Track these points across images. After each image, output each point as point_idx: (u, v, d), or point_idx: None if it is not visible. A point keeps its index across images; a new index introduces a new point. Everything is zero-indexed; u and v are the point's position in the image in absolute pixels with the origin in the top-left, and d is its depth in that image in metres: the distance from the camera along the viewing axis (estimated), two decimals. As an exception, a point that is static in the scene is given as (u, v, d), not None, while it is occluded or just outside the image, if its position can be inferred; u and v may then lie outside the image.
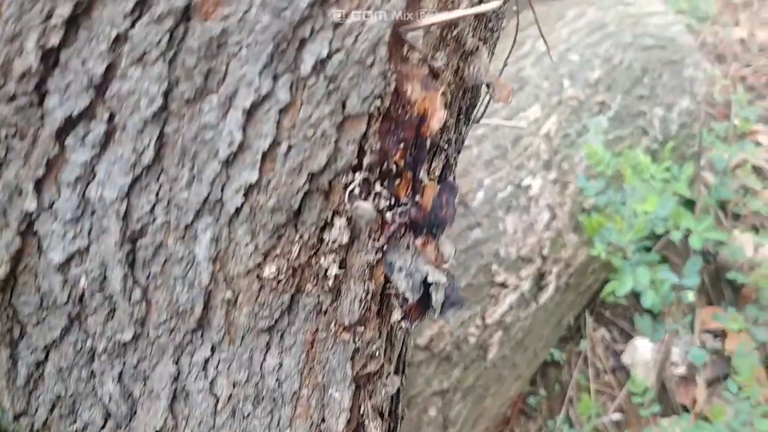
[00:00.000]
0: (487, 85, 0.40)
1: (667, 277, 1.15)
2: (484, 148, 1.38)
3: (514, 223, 1.37)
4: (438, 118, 0.36)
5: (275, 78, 0.31)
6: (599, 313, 1.71)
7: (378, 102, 0.34)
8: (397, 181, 0.38)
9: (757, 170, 2.00)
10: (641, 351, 1.65)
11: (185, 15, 0.29)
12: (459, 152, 0.50)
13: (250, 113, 0.33)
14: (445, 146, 0.43)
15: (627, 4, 1.68)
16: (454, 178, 0.49)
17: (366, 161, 0.36)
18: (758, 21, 2.56)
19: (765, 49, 2.45)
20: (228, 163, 0.34)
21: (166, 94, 0.32)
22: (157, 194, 0.35)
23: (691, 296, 1.18)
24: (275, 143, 0.34)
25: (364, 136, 0.36)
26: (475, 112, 0.50)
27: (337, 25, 0.31)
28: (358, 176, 0.36)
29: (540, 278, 1.43)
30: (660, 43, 1.63)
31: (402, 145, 0.36)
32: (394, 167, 0.37)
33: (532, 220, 1.39)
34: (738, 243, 1.75)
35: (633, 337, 1.69)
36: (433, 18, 0.35)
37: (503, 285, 1.36)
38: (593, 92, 1.50)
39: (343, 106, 0.34)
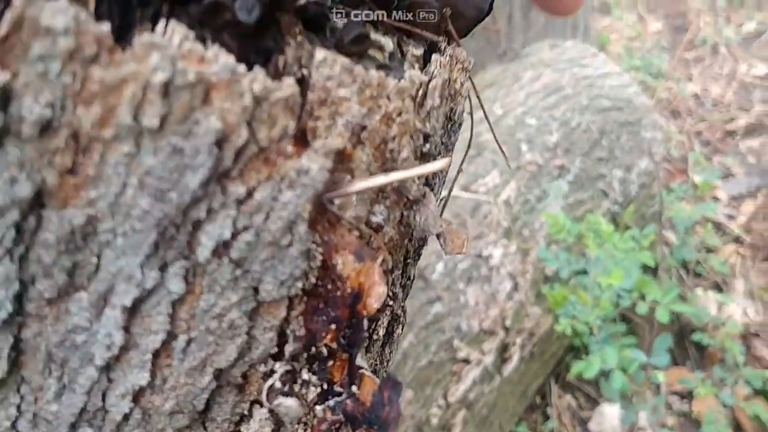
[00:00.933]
0: (438, 236, 0.35)
1: (635, 357, 1.10)
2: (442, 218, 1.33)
3: (476, 294, 1.32)
4: (376, 294, 0.30)
5: (163, 268, 0.25)
6: (565, 379, 1.66)
7: (300, 283, 0.28)
8: (330, 363, 0.31)
9: (716, 225, 2.00)
10: (608, 417, 1.60)
11: (36, 203, 0.22)
12: (408, 295, 0.43)
13: (133, 310, 0.26)
14: (390, 302, 0.37)
15: (582, 65, 1.68)
16: (403, 326, 0.42)
17: (289, 349, 0.30)
18: (710, 76, 2.62)
19: (718, 103, 2.49)
20: (108, 368, 0.27)
21: (19, 297, 0.25)
22: (18, 408, 0.28)
23: (661, 377, 1.13)
24: (170, 338, 0.27)
25: (285, 320, 0.29)
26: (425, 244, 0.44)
27: (241, 202, 0.25)
28: (280, 367, 0.30)
29: (503, 350, 1.37)
30: (617, 105, 1.62)
31: (334, 326, 0.30)
32: (324, 350, 0.31)
33: (494, 291, 1.34)
34: (701, 303, 1.73)
35: (599, 403, 1.64)
36: (364, 183, 0.29)
37: (466, 361, 1.30)
38: (552, 156, 1.47)
39: (256, 291, 0.28)
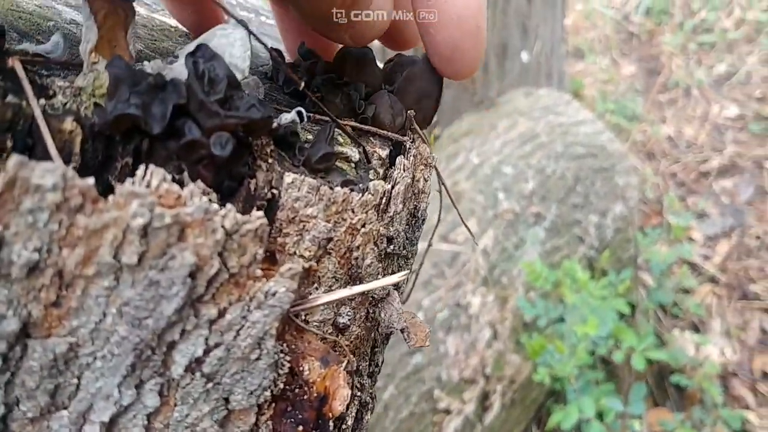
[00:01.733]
0: (402, 330, 0.37)
1: (612, 406, 1.12)
2: (421, 269, 1.35)
3: (456, 343, 1.34)
4: (341, 398, 0.32)
5: (139, 386, 0.27)
6: (546, 425, 1.67)
7: (268, 393, 0.30)
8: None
9: (692, 266, 2.04)
10: (591, 461, 1.61)
11: (22, 335, 0.24)
12: (376, 380, 0.46)
13: (110, 424, 0.28)
14: (358, 392, 0.39)
15: (557, 113, 1.73)
16: (372, 410, 0.44)
17: (258, 451, 0.32)
18: (684, 118, 2.69)
19: (692, 145, 2.56)
20: (89, 479, 0.29)
21: (4, 417, 0.27)
22: None
23: (637, 426, 1.15)
24: (146, 447, 0.29)
25: (255, 425, 0.31)
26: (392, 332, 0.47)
27: (213, 322, 0.27)
28: (249, 469, 0.32)
29: (484, 398, 1.39)
30: (591, 152, 1.67)
31: (301, 428, 0.32)
32: (292, 450, 0.33)
33: (474, 339, 1.36)
34: (679, 344, 1.76)
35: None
36: (327, 298, 0.31)
37: (447, 411, 1.31)
38: (528, 204, 1.51)
39: (227, 401, 0.30)
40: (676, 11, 3.41)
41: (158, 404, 0.30)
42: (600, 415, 1.17)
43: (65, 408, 0.29)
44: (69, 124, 0.29)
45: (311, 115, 0.41)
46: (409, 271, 0.40)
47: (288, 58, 0.51)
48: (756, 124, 2.67)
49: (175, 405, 0.30)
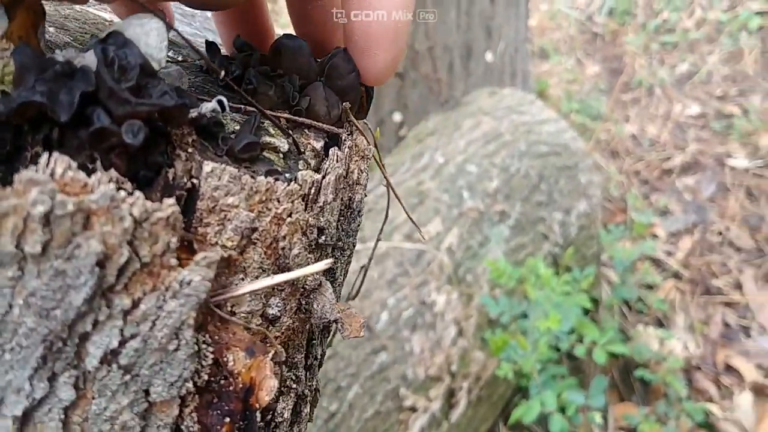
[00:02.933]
0: (335, 321, 0.37)
1: (574, 399, 1.13)
2: (386, 267, 1.35)
3: (421, 341, 1.34)
4: (268, 388, 0.32)
5: (52, 378, 0.26)
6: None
7: (190, 384, 0.30)
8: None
9: (656, 262, 2.07)
10: (559, 457, 1.62)
11: None
12: (317, 371, 0.45)
13: (24, 419, 0.27)
14: (294, 385, 0.39)
15: (520, 112, 1.75)
16: (313, 403, 0.44)
17: (183, 444, 0.31)
18: (647, 116, 2.74)
19: (655, 143, 2.60)
20: (2, 476, 0.28)
21: None
22: None
23: (598, 418, 1.17)
24: (63, 442, 0.28)
25: (179, 417, 0.31)
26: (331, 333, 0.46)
27: (127, 313, 0.27)
28: (174, 463, 0.31)
29: (450, 396, 1.39)
30: (554, 150, 1.69)
31: (228, 419, 0.32)
32: (219, 442, 0.32)
33: (439, 337, 1.36)
34: (643, 339, 1.78)
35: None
36: (248, 287, 0.31)
37: (413, 409, 1.31)
38: (492, 202, 1.52)
39: (147, 393, 0.29)
40: (638, 12, 3.47)
41: (74, 397, 0.29)
42: (562, 410, 1.18)
43: (-27, 400, 0.28)
44: (-27, 111, 0.29)
45: (241, 106, 0.41)
46: (333, 259, 0.39)
47: (224, 52, 0.51)
48: (717, 122, 2.72)
49: (93, 398, 0.30)
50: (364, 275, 0.62)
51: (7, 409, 0.28)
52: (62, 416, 0.29)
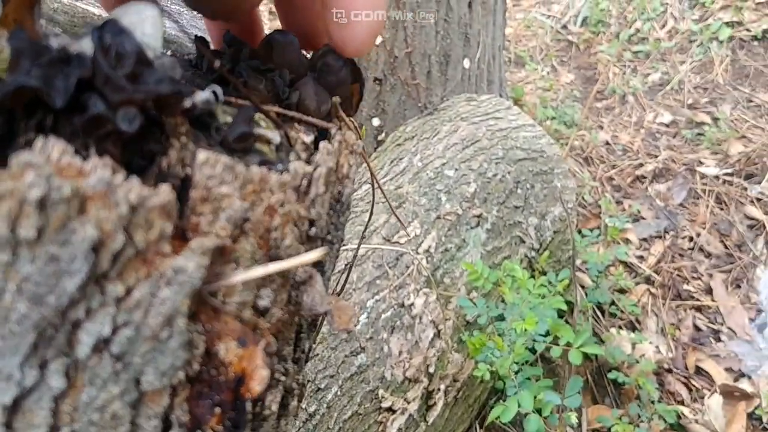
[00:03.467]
0: (325, 314, 0.37)
1: (550, 399, 1.14)
2: (365, 269, 1.36)
3: (399, 343, 1.34)
4: (259, 378, 0.32)
5: (43, 366, 0.26)
6: (489, 422, 1.69)
7: (182, 373, 0.30)
8: (216, 446, 0.33)
9: (628, 267, 2.11)
10: (534, 459, 1.63)
11: None
12: (304, 365, 0.45)
13: (14, 407, 0.27)
14: (282, 377, 0.39)
15: (497, 118, 1.76)
16: (300, 397, 0.44)
17: (173, 435, 0.31)
18: (620, 124, 2.79)
19: (628, 150, 2.65)
20: (-10, 464, 0.28)
21: None
22: None
23: (574, 418, 1.18)
24: (52, 430, 0.28)
25: (169, 407, 0.30)
26: (320, 322, 0.47)
27: (120, 300, 0.26)
28: (164, 453, 0.31)
29: (428, 397, 1.39)
30: (530, 156, 1.71)
31: (218, 410, 0.32)
32: (210, 433, 0.32)
33: (417, 339, 1.37)
34: (616, 342, 1.81)
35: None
36: (242, 276, 0.31)
37: (390, 410, 1.31)
38: (470, 206, 1.53)
39: (137, 383, 0.29)
40: (612, 21, 3.54)
41: (64, 386, 0.29)
42: (539, 411, 1.19)
43: (-39, 391, 0.28)
44: (-34, 95, 0.28)
45: (233, 99, 0.41)
46: (327, 249, 0.40)
47: (213, 48, 0.51)
48: (688, 130, 2.79)
49: (83, 387, 0.29)
50: (348, 273, 0.62)
51: (-4, 396, 0.28)
52: (52, 405, 0.29)
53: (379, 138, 2.02)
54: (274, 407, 0.40)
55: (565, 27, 3.63)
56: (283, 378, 0.40)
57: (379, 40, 1.97)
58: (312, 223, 0.39)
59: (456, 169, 1.58)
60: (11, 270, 0.26)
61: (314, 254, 0.34)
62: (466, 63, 2.11)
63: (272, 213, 0.35)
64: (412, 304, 1.37)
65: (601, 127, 2.77)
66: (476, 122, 1.73)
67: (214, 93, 0.35)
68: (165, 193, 0.28)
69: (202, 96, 0.35)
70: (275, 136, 0.39)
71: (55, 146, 0.27)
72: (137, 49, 0.31)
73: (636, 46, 3.42)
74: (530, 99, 2.82)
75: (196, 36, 0.47)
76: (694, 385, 1.79)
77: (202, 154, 0.32)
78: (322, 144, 0.41)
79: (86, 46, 0.32)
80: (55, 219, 0.26)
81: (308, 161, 0.41)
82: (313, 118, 0.45)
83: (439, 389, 1.38)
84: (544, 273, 1.59)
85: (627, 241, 2.17)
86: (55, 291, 0.27)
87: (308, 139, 0.43)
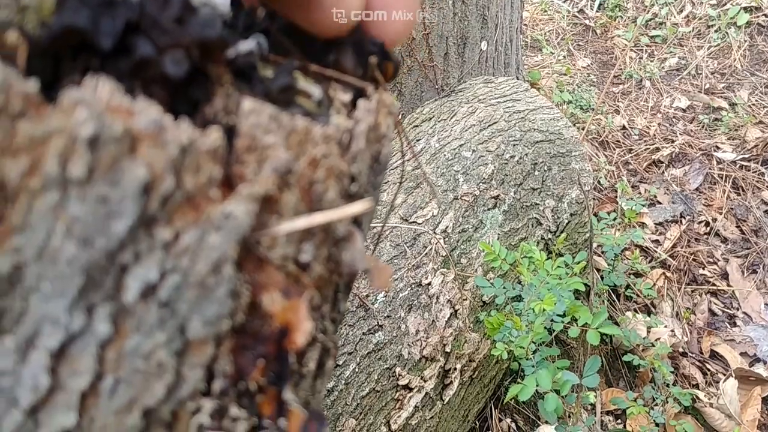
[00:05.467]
0: (365, 271, 0.36)
1: (568, 379, 1.14)
2: (383, 248, 1.35)
3: (416, 322, 1.34)
4: (303, 331, 0.31)
5: (90, 310, 0.26)
6: (504, 402, 1.69)
7: (227, 322, 0.29)
8: (259, 398, 0.32)
9: (644, 251, 2.09)
10: (547, 440, 1.64)
11: None
12: (339, 327, 0.45)
13: (59, 353, 0.27)
14: (320, 335, 0.38)
15: (515, 100, 1.75)
16: (335, 358, 0.44)
17: (217, 385, 0.31)
18: (637, 108, 2.76)
19: (644, 135, 2.63)
20: (34, 410, 0.28)
21: (-55, 344, 0.25)
22: (-59, 453, 0.27)
23: (592, 398, 1.18)
24: (97, 379, 0.28)
25: (214, 357, 0.30)
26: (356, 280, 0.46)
27: (168, 245, 0.26)
28: (208, 404, 0.31)
29: (444, 376, 1.39)
30: (548, 138, 1.69)
31: (262, 362, 0.31)
32: (253, 385, 0.32)
33: (434, 318, 1.37)
34: (631, 326, 1.80)
35: (538, 424, 1.68)
36: (288, 226, 0.30)
37: (407, 387, 1.31)
38: (487, 187, 1.52)
39: (183, 331, 0.29)
40: (629, 6, 3.50)
41: (111, 332, 0.28)
42: (557, 391, 1.19)
43: (9, 334, 0.27)
44: (13, 36, 0.28)
45: (271, 56, 0.40)
46: (372, 204, 0.39)
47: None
48: (705, 115, 2.75)
49: (129, 334, 0.29)
50: (379, 238, 0.62)
51: (43, 341, 0.28)
52: (98, 351, 0.29)
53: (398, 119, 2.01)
54: (312, 365, 0.40)
55: (581, 11, 3.59)
56: (321, 336, 0.40)
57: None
58: (353, 179, 0.38)
59: (473, 151, 1.57)
60: (61, 210, 0.26)
61: (358, 206, 0.34)
62: (484, 45, 2.09)
63: (315, 165, 0.34)
64: (430, 283, 1.37)
65: (618, 112, 2.75)
66: (494, 104, 1.71)
67: (258, 43, 0.34)
68: (215, 136, 0.28)
69: (246, 45, 0.34)
70: (316, 91, 0.38)
71: (106, 85, 0.26)
72: (183, -5, 0.31)
73: (653, 31, 3.38)
74: (546, 83, 2.79)
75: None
76: (708, 369, 1.79)
77: (247, 103, 0.31)
78: (361, 101, 0.40)
79: (130, -9, 0.31)
80: (106, 158, 0.26)
81: (348, 117, 0.40)
82: (350, 77, 0.44)
83: (455, 368, 1.38)
84: (560, 255, 1.58)
85: (643, 225, 2.16)
86: (105, 233, 0.26)
87: (346, 97, 0.42)
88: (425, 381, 1.30)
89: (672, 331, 1.86)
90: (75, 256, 0.27)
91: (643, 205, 2.02)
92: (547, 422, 1.64)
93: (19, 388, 0.28)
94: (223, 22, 0.48)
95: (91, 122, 0.25)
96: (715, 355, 1.82)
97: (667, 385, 1.63)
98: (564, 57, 3.16)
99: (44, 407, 0.29)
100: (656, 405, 1.61)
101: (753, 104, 2.71)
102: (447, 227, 1.43)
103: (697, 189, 2.36)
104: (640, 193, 2.31)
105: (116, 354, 0.30)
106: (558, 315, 1.31)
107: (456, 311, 1.38)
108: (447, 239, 1.42)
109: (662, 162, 2.50)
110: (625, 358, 1.72)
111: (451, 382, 1.37)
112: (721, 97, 2.84)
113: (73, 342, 0.29)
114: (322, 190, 0.35)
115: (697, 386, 1.74)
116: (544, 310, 1.22)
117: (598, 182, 2.26)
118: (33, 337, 0.28)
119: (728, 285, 2.00)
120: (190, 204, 0.28)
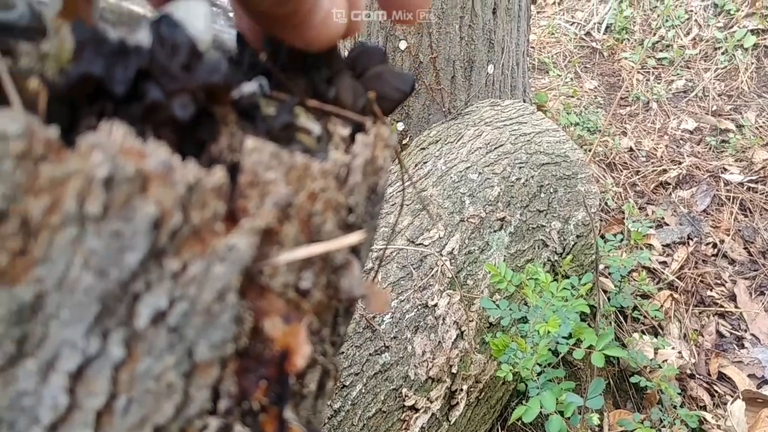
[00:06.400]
0: (362, 297, 0.38)
1: (572, 401, 1.15)
2: (389, 270, 1.37)
3: (423, 343, 1.35)
4: (302, 354, 0.33)
5: (105, 335, 0.28)
6: (510, 424, 1.69)
7: (231, 346, 0.32)
8: (261, 417, 0.35)
9: (651, 272, 2.10)
10: (555, 463, 1.63)
11: None
12: (339, 349, 0.47)
13: (77, 375, 0.29)
14: (320, 357, 0.40)
15: (521, 123, 1.77)
16: (335, 380, 0.46)
17: (222, 405, 0.33)
18: (644, 130, 2.77)
19: (651, 156, 2.64)
20: (54, 427, 0.30)
21: (-29, 368, 0.27)
22: (-35, 469, 0.30)
23: (596, 419, 1.18)
24: (111, 399, 0.30)
25: (219, 379, 0.32)
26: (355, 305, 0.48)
27: (176, 275, 0.28)
28: (214, 422, 0.33)
29: (450, 397, 1.40)
30: (554, 160, 1.71)
31: (264, 383, 0.33)
32: (256, 405, 0.34)
33: (440, 339, 1.38)
34: (639, 347, 1.80)
35: (547, 448, 1.68)
36: (287, 256, 0.33)
37: (414, 408, 1.32)
38: (493, 209, 1.54)
39: (190, 354, 0.31)
40: (636, 28, 3.53)
41: (124, 355, 0.31)
42: (561, 412, 1.19)
43: (31, 357, 0.30)
44: (34, 82, 0.31)
45: (273, 93, 0.43)
46: (366, 234, 0.41)
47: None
48: (712, 137, 2.76)
49: (140, 357, 0.31)
50: (378, 268, 0.64)
51: (62, 363, 0.30)
52: (112, 373, 0.31)
53: (404, 142, 2.04)
54: (313, 386, 0.42)
55: (588, 34, 3.63)
56: (321, 358, 0.42)
57: (404, 45, 1.99)
58: (350, 210, 0.40)
59: (480, 173, 1.59)
60: (79, 244, 0.28)
61: (354, 237, 0.36)
62: (491, 68, 2.12)
63: (314, 199, 0.37)
64: (436, 304, 1.38)
65: (625, 134, 2.76)
66: (500, 127, 1.74)
67: (260, 85, 0.37)
68: (219, 175, 0.30)
69: (249, 87, 0.37)
70: (316, 127, 0.41)
71: (119, 129, 0.29)
72: (190, 42, 0.33)
73: (660, 53, 3.40)
74: (554, 105, 2.82)
75: (238, 33, 0.49)
76: (716, 391, 1.78)
77: (250, 142, 0.34)
78: (359, 136, 0.43)
79: (141, 37, 0.34)
80: (120, 197, 0.28)
81: (346, 152, 0.42)
82: (350, 112, 0.46)
83: (461, 389, 1.39)
84: (566, 277, 1.59)
85: (650, 246, 2.16)
86: (118, 264, 0.29)
87: (345, 132, 0.44)
88: (432, 402, 1.31)
89: (679, 352, 1.85)
90: (91, 285, 0.29)
91: (650, 227, 2.02)
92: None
93: (40, 407, 0.31)
94: (229, 58, 0.51)
95: (106, 164, 0.27)
96: (722, 377, 1.81)
97: (675, 407, 1.62)
98: (571, 79, 3.19)
99: (63, 425, 0.32)
100: (664, 427, 1.60)
101: (760, 126, 2.72)
102: (453, 249, 1.44)
103: (704, 210, 2.37)
104: (647, 214, 2.32)
105: (129, 376, 0.32)
106: (563, 337, 1.32)
107: (462, 332, 1.39)
108: (453, 261, 1.43)
109: (669, 183, 2.51)
110: (633, 379, 1.72)
111: (458, 403, 1.38)
112: (728, 119, 2.85)
113: (89, 364, 0.31)
114: (321, 221, 0.37)
115: (704, 408, 1.73)
116: (549, 332, 1.23)
117: (605, 204, 2.27)
118: (53, 360, 0.30)
119: (736, 306, 1.99)
120: (196, 237, 0.31)
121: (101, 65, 0.31)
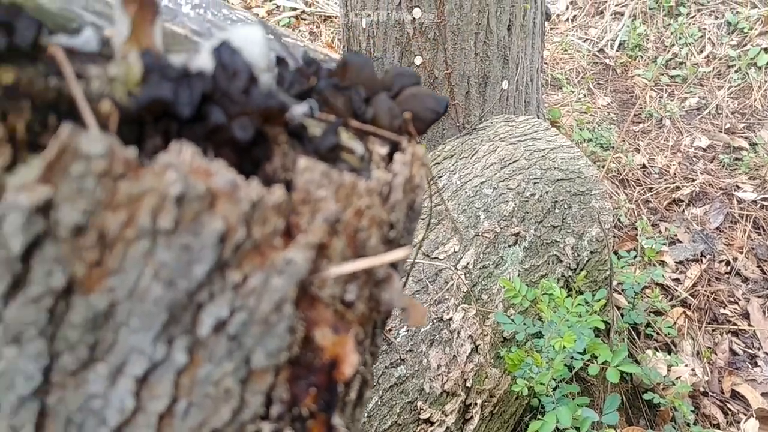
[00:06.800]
0: (402, 309, 0.40)
1: (588, 416, 1.15)
2: (406, 284, 1.38)
3: (438, 357, 1.36)
4: (350, 363, 0.35)
5: (170, 342, 0.30)
6: (525, 440, 1.69)
7: (285, 354, 0.33)
8: (310, 423, 0.36)
9: (664, 289, 2.10)
10: (568, 479, 1.63)
11: (66, 292, 0.27)
12: (376, 360, 0.49)
13: (143, 380, 0.31)
14: (361, 367, 0.42)
15: (535, 139, 1.79)
16: (372, 388, 0.47)
17: (274, 411, 0.35)
18: (657, 147, 2.79)
19: (664, 173, 2.65)
20: (119, 429, 0.32)
21: (47, 370, 0.29)
22: (38, 466, 0.32)
23: (611, 435, 1.19)
24: (173, 403, 0.32)
25: (272, 385, 0.34)
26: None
27: (237, 286, 0.30)
28: (267, 427, 0.35)
29: (465, 411, 1.41)
30: (568, 176, 1.73)
31: (314, 390, 0.35)
32: (305, 411, 0.36)
33: (455, 353, 1.39)
34: (652, 364, 1.80)
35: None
36: (340, 269, 0.35)
37: (429, 421, 1.33)
38: (508, 224, 1.56)
39: (247, 361, 0.33)
40: (649, 46, 3.55)
41: (187, 361, 0.33)
42: (577, 429, 1.20)
43: (102, 361, 0.32)
44: (106, 105, 0.33)
45: (318, 114, 0.45)
46: (409, 250, 0.43)
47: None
48: (725, 154, 2.77)
49: (201, 363, 0.33)
50: (407, 277, 0.66)
51: (130, 368, 0.32)
52: (175, 378, 0.33)
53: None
54: (353, 395, 0.44)
55: (602, 51, 3.65)
56: (362, 368, 0.44)
57: (419, 60, 2.02)
58: (392, 226, 0.42)
59: (494, 188, 1.61)
60: (150, 256, 0.30)
61: (398, 253, 0.38)
62: (505, 84, 2.14)
63: (360, 215, 0.39)
64: (451, 318, 1.40)
65: (638, 150, 2.78)
66: (514, 142, 1.76)
67: (310, 107, 0.39)
68: (279, 193, 0.32)
69: (300, 109, 0.39)
70: (359, 147, 0.43)
71: (188, 149, 0.31)
72: (248, 68, 0.36)
73: (673, 71, 3.42)
74: (567, 121, 2.84)
75: (277, 57, 0.51)
76: (729, 409, 1.78)
77: (303, 161, 0.36)
78: (398, 155, 0.45)
79: (203, 62, 0.36)
80: (190, 213, 0.30)
81: (387, 170, 0.44)
82: (387, 131, 0.48)
83: (476, 403, 1.39)
84: (580, 292, 1.60)
85: (663, 263, 2.17)
86: (186, 276, 0.31)
87: (383, 151, 0.46)
88: (446, 415, 1.32)
89: (692, 370, 1.85)
90: (160, 296, 0.31)
91: (664, 244, 2.03)
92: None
93: (108, 409, 0.32)
94: (277, 80, 0.54)
95: (179, 183, 0.29)
96: (736, 395, 1.81)
97: (688, 425, 1.62)
98: (584, 95, 3.21)
99: (128, 427, 0.33)
100: (677, 445, 1.60)
101: (773, 144, 2.72)
102: (468, 263, 1.46)
103: (717, 228, 2.37)
104: (660, 231, 2.32)
105: (190, 381, 0.34)
106: (578, 352, 1.33)
107: (477, 346, 1.40)
108: (468, 275, 1.45)
109: (682, 201, 2.51)
110: (646, 396, 1.72)
111: (472, 416, 1.39)
112: (742, 136, 2.86)
113: (155, 370, 0.33)
114: (366, 237, 0.39)
115: (718, 426, 1.73)
116: (564, 347, 1.24)
117: (619, 220, 2.28)
118: (122, 365, 0.32)
119: (749, 325, 1.99)
120: (257, 251, 0.33)
121: (169, 89, 0.33)
